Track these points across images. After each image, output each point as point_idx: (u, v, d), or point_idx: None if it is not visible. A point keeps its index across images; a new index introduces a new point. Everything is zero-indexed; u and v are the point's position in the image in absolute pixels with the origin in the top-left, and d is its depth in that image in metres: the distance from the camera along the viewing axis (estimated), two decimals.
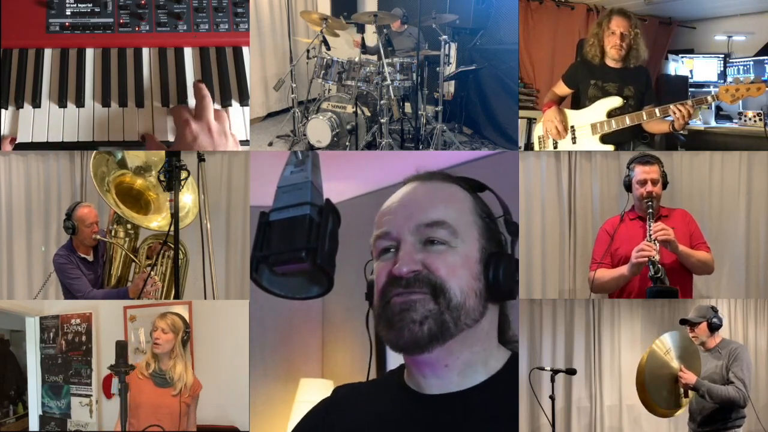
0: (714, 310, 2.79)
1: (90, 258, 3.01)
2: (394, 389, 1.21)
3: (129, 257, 2.99)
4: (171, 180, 2.46)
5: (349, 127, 3.70)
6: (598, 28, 2.87)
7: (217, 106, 2.38)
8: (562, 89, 2.97)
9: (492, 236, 1.17)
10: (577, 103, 2.95)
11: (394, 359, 1.21)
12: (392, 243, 1.14)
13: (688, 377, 2.69)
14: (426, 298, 1.09)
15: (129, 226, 2.98)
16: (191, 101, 2.37)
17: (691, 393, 2.73)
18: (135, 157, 2.90)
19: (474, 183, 1.22)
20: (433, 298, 1.09)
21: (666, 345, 2.74)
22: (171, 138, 2.32)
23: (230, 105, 2.43)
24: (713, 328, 2.78)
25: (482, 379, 1.15)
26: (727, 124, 3.24)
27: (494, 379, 1.16)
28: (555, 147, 2.95)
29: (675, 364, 2.72)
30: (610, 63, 2.87)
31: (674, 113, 2.66)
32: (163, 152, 2.62)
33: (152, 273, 2.84)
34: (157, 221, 2.93)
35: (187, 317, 3.12)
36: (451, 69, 4.06)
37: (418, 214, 1.14)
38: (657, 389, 2.71)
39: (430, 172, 1.22)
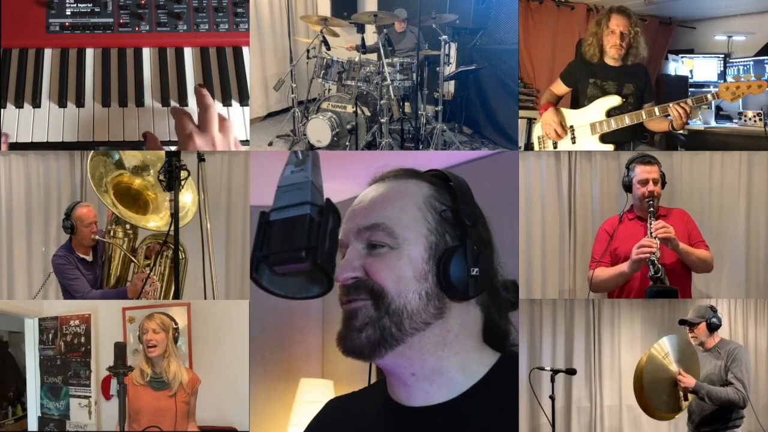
0: (713, 309, 2.79)
1: (89, 258, 3.01)
2: (380, 401, 1.18)
3: (128, 257, 2.99)
4: (171, 180, 2.46)
5: (349, 127, 3.70)
6: (597, 27, 2.85)
7: (218, 109, 2.36)
8: (559, 88, 2.97)
9: (449, 230, 1.10)
10: (576, 102, 2.95)
11: None
12: (344, 251, 1.13)
13: (687, 381, 2.69)
14: (367, 305, 1.07)
15: (128, 226, 2.98)
16: (191, 101, 2.37)
17: (690, 396, 2.72)
18: (132, 157, 2.89)
19: (438, 173, 1.17)
20: (374, 304, 1.07)
21: (664, 349, 2.74)
22: (172, 138, 2.32)
23: (230, 105, 2.43)
24: (712, 328, 2.78)
25: (465, 388, 1.11)
26: (727, 124, 3.24)
27: (481, 386, 1.11)
28: (555, 147, 2.95)
29: (674, 367, 2.72)
30: (609, 62, 2.87)
31: (672, 113, 2.66)
32: (160, 151, 2.62)
33: (151, 273, 2.84)
34: (155, 221, 2.93)
35: (186, 317, 3.12)
36: (451, 69, 4.06)
37: (359, 218, 1.12)
38: (657, 393, 2.71)
39: (390, 171, 1.19)
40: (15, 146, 2.32)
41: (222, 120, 2.15)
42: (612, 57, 2.84)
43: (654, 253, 2.55)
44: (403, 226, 1.09)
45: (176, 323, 2.98)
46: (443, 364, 1.10)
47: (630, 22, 2.80)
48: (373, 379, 1.29)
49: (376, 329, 1.06)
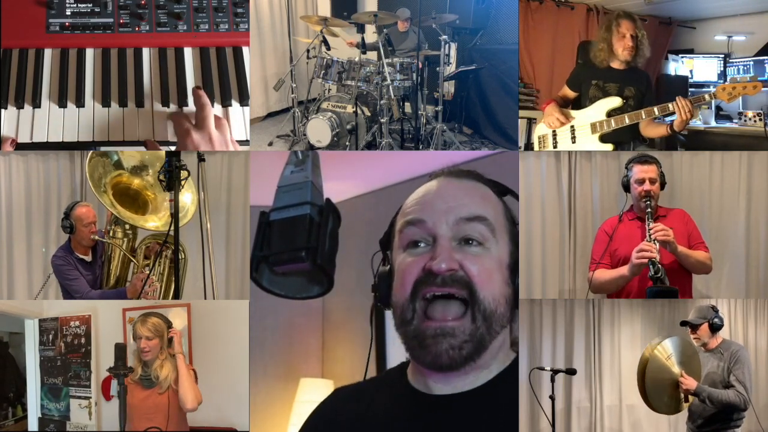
0: (714, 310, 2.78)
1: (88, 258, 3.01)
2: (396, 389, 1.19)
3: (127, 257, 2.99)
4: (171, 180, 2.46)
5: (349, 127, 3.70)
6: (607, 33, 2.91)
7: (218, 109, 2.38)
8: (566, 92, 3.02)
9: (516, 241, 1.16)
10: (578, 103, 2.96)
11: (394, 357, 1.20)
12: (426, 235, 1.10)
13: (689, 383, 2.68)
14: (464, 323, 1.07)
15: (127, 226, 2.98)
16: (191, 102, 2.37)
17: (691, 398, 2.72)
18: (131, 157, 2.89)
19: (501, 187, 1.20)
20: (471, 312, 1.07)
21: (668, 350, 2.73)
22: (171, 138, 2.32)
23: (230, 105, 2.43)
24: (714, 328, 2.77)
25: (487, 379, 1.13)
26: (727, 124, 3.24)
27: (498, 379, 1.14)
28: (555, 146, 2.96)
29: (676, 369, 2.71)
30: (613, 65, 2.91)
31: (676, 106, 2.68)
32: (159, 151, 2.62)
33: (150, 274, 2.84)
34: (154, 221, 2.93)
35: (186, 317, 3.12)
36: (451, 69, 4.06)
37: (458, 207, 1.10)
38: (658, 395, 2.70)
39: (460, 170, 1.18)
40: (15, 146, 2.33)
41: (218, 119, 2.23)
42: (624, 60, 2.89)
43: (653, 257, 2.55)
44: (498, 228, 1.12)
45: (170, 324, 2.97)
46: (491, 363, 1.13)
47: (636, 26, 2.88)
48: (371, 372, 1.29)
49: (474, 343, 1.08)
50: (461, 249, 1.09)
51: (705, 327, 2.77)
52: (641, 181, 2.68)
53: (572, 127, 2.92)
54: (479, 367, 1.12)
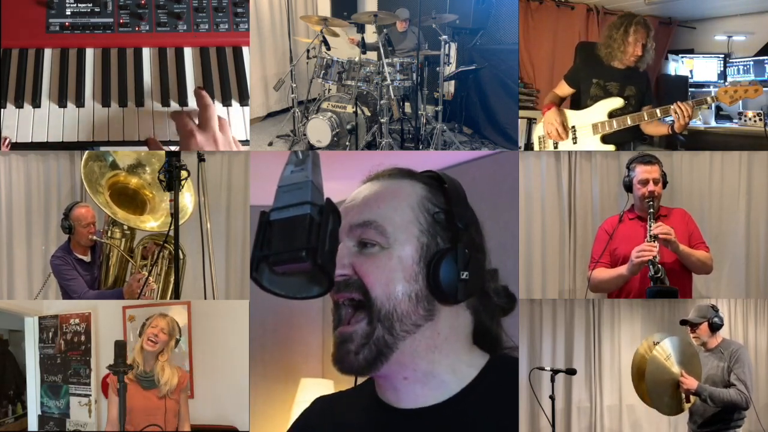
0: (714, 309, 2.78)
1: (87, 259, 3.01)
2: (368, 401, 1.18)
3: (125, 257, 2.99)
4: (171, 180, 2.46)
5: (349, 127, 3.70)
6: (624, 36, 2.84)
7: (218, 108, 2.37)
8: (563, 89, 2.99)
9: (441, 233, 1.09)
10: (578, 102, 2.96)
11: None
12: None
13: (690, 383, 2.68)
14: (361, 326, 1.07)
15: (125, 226, 2.98)
16: (191, 102, 2.37)
17: (693, 398, 2.72)
18: (126, 156, 2.89)
19: (433, 174, 1.16)
20: (367, 311, 1.06)
21: (666, 350, 2.73)
22: (172, 138, 2.32)
23: (230, 105, 2.43)
24: (714, 328, 2.77)
25: (456, 390, 1.10)
26: (727, 124, 3.24)
27: (472, 388, 1.10)
28: (555, 147, 2.96)
29: (676, 369, 2.71)
30: (615, 64, 2.90)
31: (675, 112, 2.67)
32: (160, 150, 2.62)
33: (148, 277, 2.83)
34: (152, 222, 2.93)
35: (186, 317, 3.12)
36: (451, 69, 4.06)
37: (351, 215, 1.12)
38: (659, 396, 2.70)
39: (385, 170, 1.18)
40: (15, 146, 2.33)
41: (220, 119, 2.21)
42: (627, 64, 2.86)
43: (654, 257, 2.55)
44: (396, 226, 1.09)
45: (180, 333, 2.99)
46: (434, 367, 1.10)
47: (648, 33, 2.84)
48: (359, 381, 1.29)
49: (371, 348, 1.06)
50: (360, 253, 1.09)
51: (704, 326, 2.77)
52: (645, 182, 2.68)
53: (573, 127, 2.91)
54: (418, 374, 1.09)
